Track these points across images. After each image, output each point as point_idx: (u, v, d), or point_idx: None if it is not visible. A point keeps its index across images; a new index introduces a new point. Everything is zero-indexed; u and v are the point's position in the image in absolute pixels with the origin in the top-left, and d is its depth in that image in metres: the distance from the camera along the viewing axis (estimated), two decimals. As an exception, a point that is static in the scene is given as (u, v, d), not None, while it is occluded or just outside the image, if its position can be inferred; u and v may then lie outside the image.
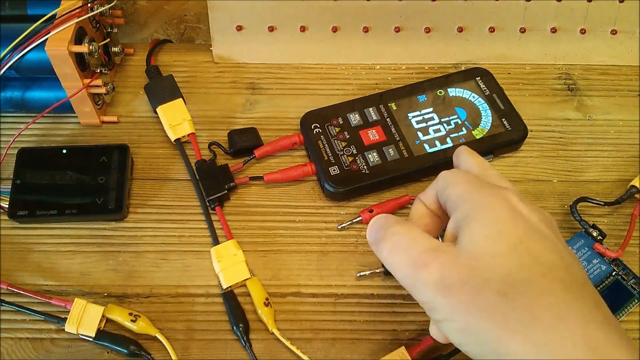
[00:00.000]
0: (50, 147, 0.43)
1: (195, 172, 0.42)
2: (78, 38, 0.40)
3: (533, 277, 0.26)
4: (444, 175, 0.31)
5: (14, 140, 0.42)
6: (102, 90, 0.42)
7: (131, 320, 0.36)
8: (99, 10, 0.42)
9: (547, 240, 0.27)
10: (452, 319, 0.26)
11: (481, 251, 0.26)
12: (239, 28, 0.47)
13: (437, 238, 0.30)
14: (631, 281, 0.38)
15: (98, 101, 0.44)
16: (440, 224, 0.32)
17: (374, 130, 0.43)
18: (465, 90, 0.45)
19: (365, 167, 0.41)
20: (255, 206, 0.42)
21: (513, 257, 0.26)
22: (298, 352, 0.35)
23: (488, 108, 0.44)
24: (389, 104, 0.44)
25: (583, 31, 0.48)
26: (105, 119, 0.45)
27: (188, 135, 0.43)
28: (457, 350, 0.35)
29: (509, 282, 0.25)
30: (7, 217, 0.39)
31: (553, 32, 0.48)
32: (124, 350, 0.35)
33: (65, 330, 0.35)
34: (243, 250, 0.39)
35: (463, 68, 0.48)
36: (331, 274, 0.39)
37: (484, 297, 0.25)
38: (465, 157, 0.33)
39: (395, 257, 0.29)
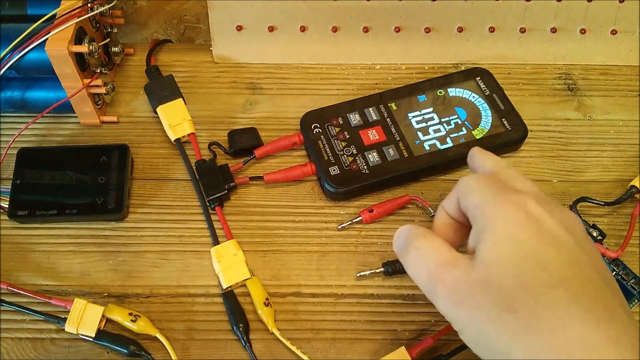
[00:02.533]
0: (50, 147, 0.44)
1: (195, 172, 0.42)
2: (78, 38, 0.40)
3: (542, 290, 0.25)
4: (463, 182, 0.30)
5: (14, 140, 0.42)
6: (102, 90, 0.42)
7: (131, 320, 0.36)
8: (99, 10, 0.42)
9: (563, 249, 0.26)
10: (466, 330, 0.27)
11: (492, 264, 0.26)
12: (239, 28, 0.47)
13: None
14: (631, 281, 0.38)
15: (98, 101, 0.44)
16: (464, 231, 0.32)
17: (374, 130, 0.43)
18: (465, 90, 0.45)
19: (365, 167, 0.41)
20: (255, 206, 0.42)
21: (523, 270, 0.26)
22: (298, 352, 0.35)
23: (488, 108, 0.44)
24: (389, 104, 0.44)
25: (583, 31, 0.48)
26: (105, 119, 0.45)
27: (188, 135, 0.43)
28: (457, 350, 0.35)
29: (517, 297, 0.25)
30: (7, 217, 0.39)
31: (553, 32, 0.48)
32: (124, 350, 0.35)
33: (65, 330, 0.35)
34: (243, 250, 0.39)
35: (463, 68, 0.48)
36: (331, 274, 0.39)
37: (492, 310, 0.25)
38: (480, 159, 0.33)
39: (416, 270, 0.29)
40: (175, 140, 0.43)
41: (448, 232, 0.32)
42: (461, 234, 0.32)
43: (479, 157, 0.33)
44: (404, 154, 0.42)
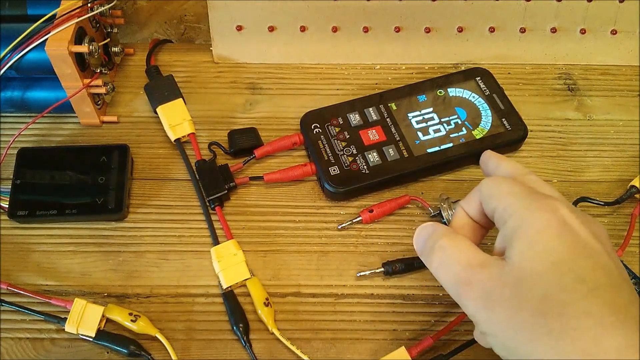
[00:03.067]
0: (50, 147, 0.44)
1: (195, 172, 0.42)
2: (78, 38, 0.40)
3: (573, 298, 0.25)
4: (487, 184, 0.30)
5: (14, 140, 0.42)
6: (102, 90, 0.42)
7: (131, 320, 0.36)
8: (99, 10, 0.42)
9: (594, 257, 0.26)
10: (493, 334, 0.27)
11: (524, 269, 0.26)
12: (239, 28, 0.47)
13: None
14: (631, 281, 0.38)
15: (98, 101, 0.44)
16: (482, 232, 0.32)
17: (374, 130, 0.43)
18: (465, 90, 0.45)
19: (365, 167, 0.41)
20: (255, 206, 0.42)
21: (555, 277, 0.26)
22: (298, 352, 0.35)
23: (488, 108, 0.44)
24: (389, 104, 0.44)
25: (583, 31, 0.48)
26: (105, 119, 0.45)
27: (188, 135, 0.43)
28: (457, 350, 0.35)
29: (548, 303, 0.25)
30: (7, 217, 0.39)
31: (553, 32, 0.48)
32: (124, 350, 0.35)
33: (65, 330, 0.35)
34: (243, 250, 0.39)
35: (463, 68, 0.48)
36: (331, 274, 0.39)
37: (522, 316, 0.25)
38: (496, 163, 0.32)
39: (442, 272, 0.29)
40: (175, 140, 0.43)
41: (467, 233, 0.31)
42: (480, 235, 0.32)
43: (494, 160, 0.32)
44: (404, 154, 0.42)
